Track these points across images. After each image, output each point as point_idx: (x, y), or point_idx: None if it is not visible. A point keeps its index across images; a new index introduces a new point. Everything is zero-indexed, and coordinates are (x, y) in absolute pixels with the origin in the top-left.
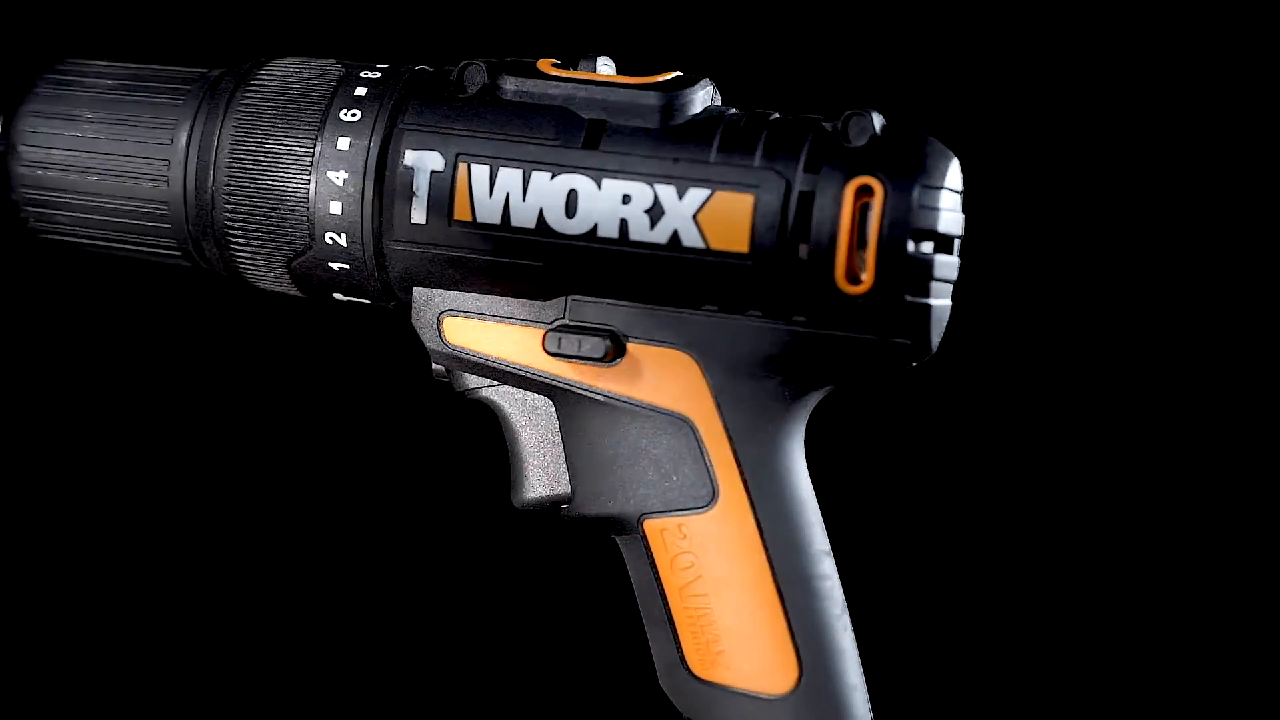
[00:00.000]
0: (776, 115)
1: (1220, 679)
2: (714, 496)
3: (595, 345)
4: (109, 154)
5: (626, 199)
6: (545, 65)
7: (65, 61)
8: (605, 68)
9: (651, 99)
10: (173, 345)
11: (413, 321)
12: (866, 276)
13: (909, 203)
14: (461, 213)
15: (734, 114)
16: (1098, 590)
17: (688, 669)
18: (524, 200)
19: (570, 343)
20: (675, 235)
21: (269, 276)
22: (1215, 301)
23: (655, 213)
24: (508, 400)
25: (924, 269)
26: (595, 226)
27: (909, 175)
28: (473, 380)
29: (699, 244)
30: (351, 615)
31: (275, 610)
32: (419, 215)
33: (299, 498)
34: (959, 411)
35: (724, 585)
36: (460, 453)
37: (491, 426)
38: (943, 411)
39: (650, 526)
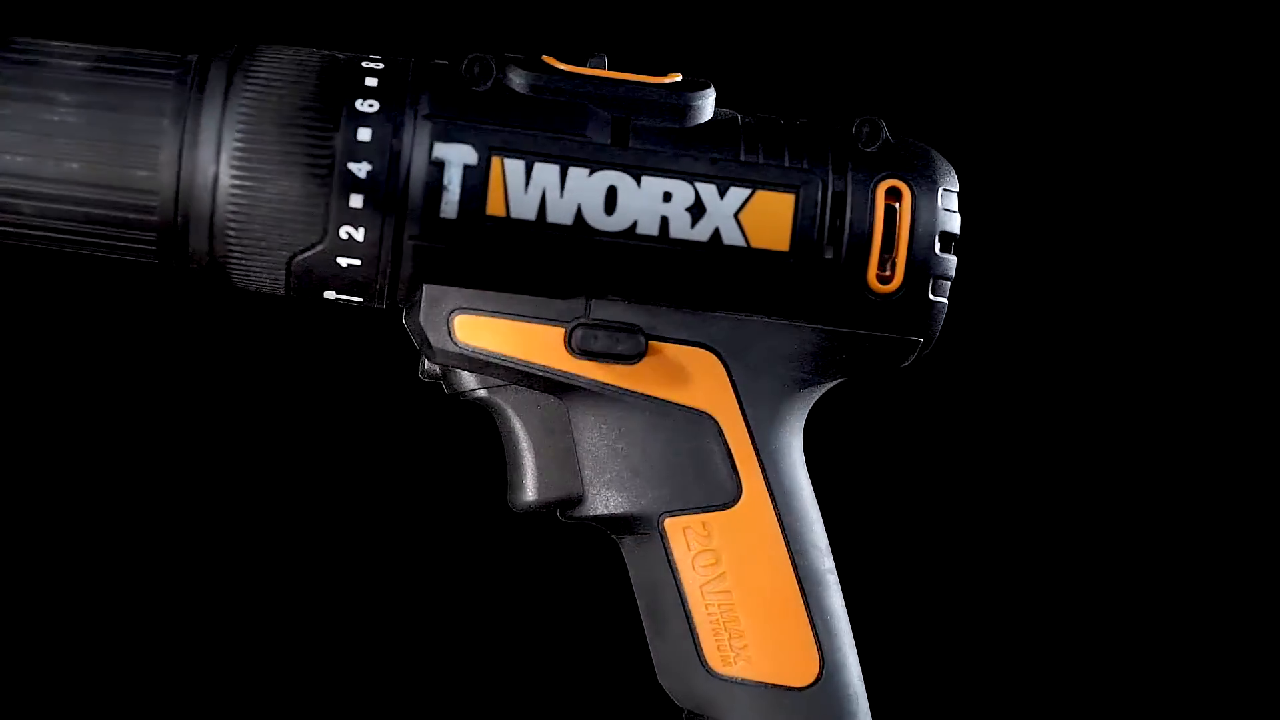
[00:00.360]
0: (782, 120)
1: (1220, 679)
2: (738, 493)
3: (631, 343)
4: (92, 140)
5: (668, 197)
6: (552, 62)
7: (17, 40)
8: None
9: (673, 99)
10: (143, 351)
11: (420, 320)
12: (895, 276)
13: (935, 205)
14: (495, 208)
15: (745, 117)
16: (1097, 589)
17: (705, 665)
18: (561, 197)
19: (604, 340)
20: (716, 233)
21: (261, 273)
22: (1211, 300)
23: (696, 211)
24: (511, 401)
25: (944, 269)
26: (634, 224)
27: (931, 179)
28: (472, 381)
29: (740, 242)
30: (345, 619)
31: (271, 617)
32: (449, 210)
33: (283, 503)
34: (947, 410)
35: (748, 581)
36: (449, 454)
37: (482, 427)
38: (931, 410)
39: (671, 525)
